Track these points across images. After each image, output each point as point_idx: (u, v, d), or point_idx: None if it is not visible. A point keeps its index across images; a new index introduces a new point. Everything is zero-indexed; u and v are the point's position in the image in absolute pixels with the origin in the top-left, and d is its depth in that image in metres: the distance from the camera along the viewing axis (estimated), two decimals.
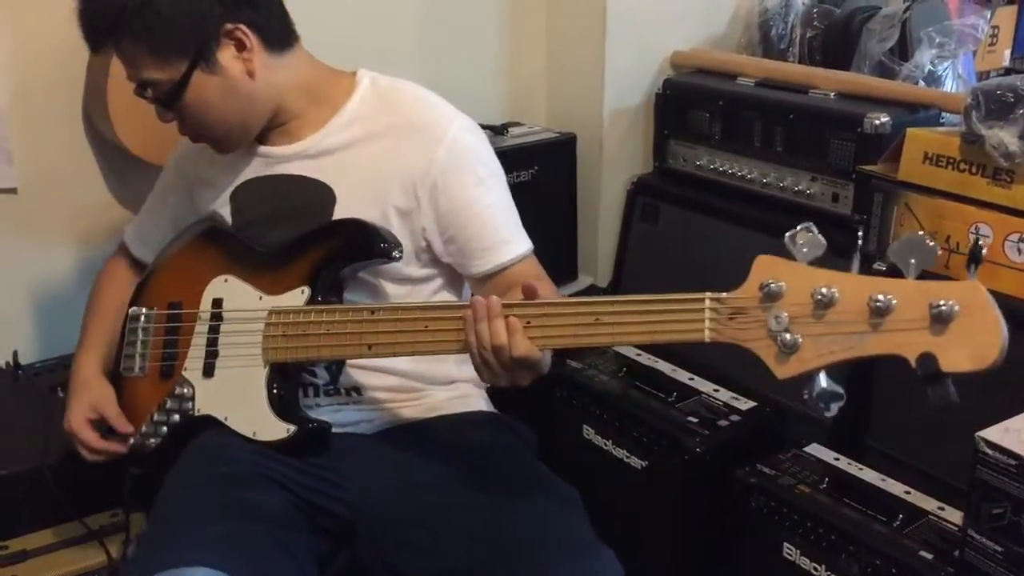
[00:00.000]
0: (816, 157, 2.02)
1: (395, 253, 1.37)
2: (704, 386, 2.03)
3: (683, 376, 2.06)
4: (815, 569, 1.64)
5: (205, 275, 1.49)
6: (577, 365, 2.07)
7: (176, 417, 1.46)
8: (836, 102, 2.04)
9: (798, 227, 1.04)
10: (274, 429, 1.37)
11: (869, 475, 1.74)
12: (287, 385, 1.40)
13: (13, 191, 1.98)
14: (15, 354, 1.94)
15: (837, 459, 1.80)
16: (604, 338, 1.15)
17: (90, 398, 1.53)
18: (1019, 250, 1.61)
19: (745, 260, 2.32)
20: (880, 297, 0.98)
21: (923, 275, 1.00)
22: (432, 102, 1.50)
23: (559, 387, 2.07)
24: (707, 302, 1.08)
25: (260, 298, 1.42)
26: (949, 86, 2.18)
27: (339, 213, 1.45)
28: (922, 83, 2.13)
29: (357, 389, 1.49)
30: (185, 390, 1.46)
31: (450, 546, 1.32)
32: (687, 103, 2.27)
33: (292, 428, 1.37)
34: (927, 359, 0.96)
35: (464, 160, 1.44)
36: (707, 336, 1.08)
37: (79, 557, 1.68)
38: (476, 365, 1.21)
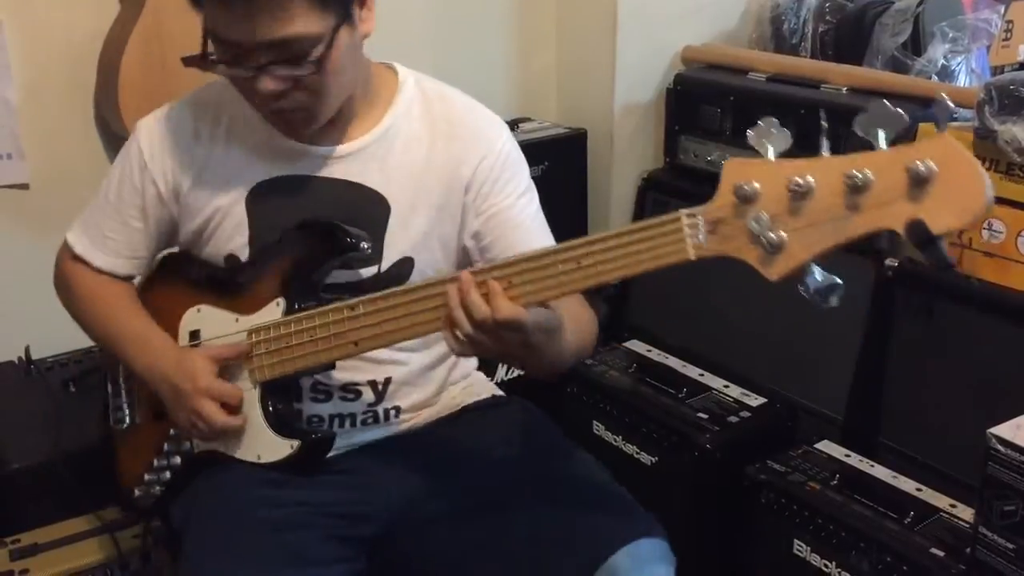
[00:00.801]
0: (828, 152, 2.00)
1: (363, 244, 1.30)
2: (714, 382, 2.02)
3: (693, 372, 2.06)
4: (826, 566, 1.64)
5: (176, 309, 1.41)
6: (588, 361, 2.07)
7: (176, 459, 1.41)
8: (848, 97, 2.03)
9: (758, 122, 0.99)
10: (278, 448, 1.32)
11: (880, 472, 1.74)
12: (281, 400, 1.35)
13: (25, 186, 2.00)
14: (27, 349, 1.96)
15: (848, 456, 1.79)
16: (589, 280, 1.09)
17: (201, 356, 1.33)
18: None
19: None
20: (855, 173, 0.93)
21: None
22: (482, 111, 1.44)
23: (570, 383, 2.06)
24: (684, 219, 1.03)
25: (236, 320, 1.35)
26: (962, 81, 2.16)
27: (393, 224, 1.37)
28: (935, 78, 2.11)
29: (396, 408, 1.44)
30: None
31: (508, 533, 1.29)
32: (698, 98, 2.26)
33: (295, 443, 1.32)
34: (916, 225, 0.92)
35: (511, 170, 1.41)
36: (692, 254, 1.03)
37: (90, 551, 1.69)
38: (461, 344, 1.14)
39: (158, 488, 1.43)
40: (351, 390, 1.40)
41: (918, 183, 0.91)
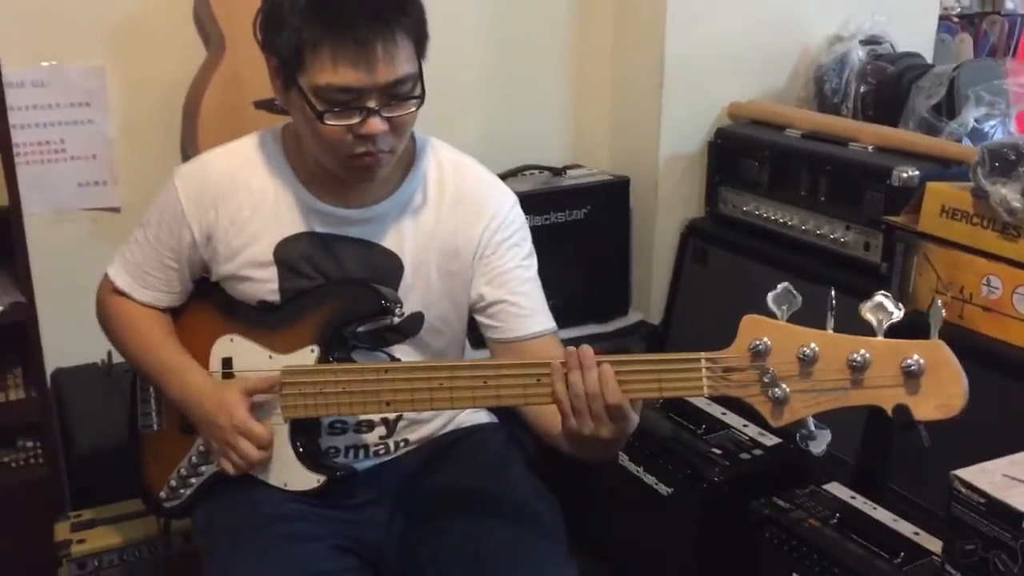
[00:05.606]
0: (851, 207, 2.09)
1: (397, 310, 1.43)
2: (735, 421, 2.10)
3: (716, 410, 2.14)
4: None
5: (209, 334, 1.51)
6: None
7: (203, 469, 1.52)
8: (872, 155, 2.11)
9: (778, 288, 1.16)
10: (304, 480, 1.44)
11: (882, 515, 1.79)
12: (308, 435, 1.46)
13: (117, 210, 2.24)
14: (109, 353, 2.17)
15: (854, 498, 1.85)
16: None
17: (236, 390, 1.42)
18: None
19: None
20: (857, 356, 1.11)
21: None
22: (491, 182, 1.54)
23: None
24: (703, 361, 1.20)
25: (270, 357, 1.45)
26: None
27: (406, 281, 1.48)
28: (966, 140, 2.17)
29: (405, 440, 1.56)
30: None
31: (463, 557, 1.41)
32: (737, 152, 2.36)
33: (321, 479, 1.43)
34: (902, 410, 1.10)
35: (518, 235, 1.52)
36: (705, 391, 1.21)
37: (138, 528, 1.91)
38: (565, 413, 1.26)
39: (184, 491, 1.55)
40: (365, 424, 1.52)
41: (910, 376, 1.10)
